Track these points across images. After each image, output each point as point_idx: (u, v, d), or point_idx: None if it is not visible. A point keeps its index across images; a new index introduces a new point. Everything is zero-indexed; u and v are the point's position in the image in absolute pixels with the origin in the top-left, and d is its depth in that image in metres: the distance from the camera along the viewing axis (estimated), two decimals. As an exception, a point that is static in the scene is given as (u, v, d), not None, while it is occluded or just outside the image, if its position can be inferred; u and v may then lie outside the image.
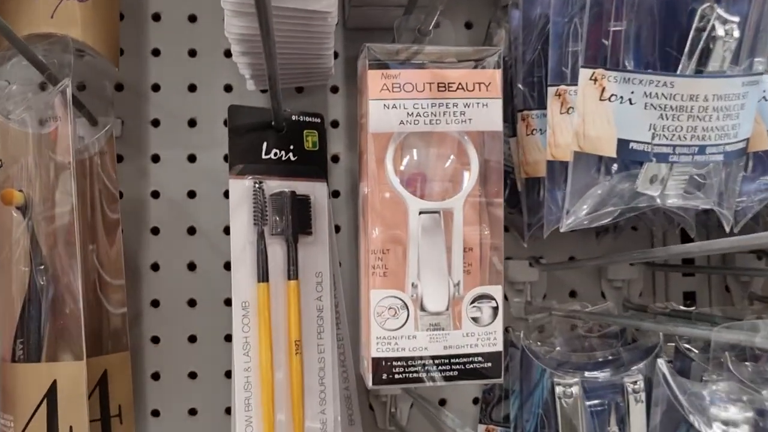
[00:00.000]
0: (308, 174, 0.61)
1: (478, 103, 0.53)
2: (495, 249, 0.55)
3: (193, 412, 0.75)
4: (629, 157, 0.48)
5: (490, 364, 0.52)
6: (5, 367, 0.56)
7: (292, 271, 0.59)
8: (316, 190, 0.61)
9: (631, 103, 0.47)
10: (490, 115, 0.53)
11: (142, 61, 0.76)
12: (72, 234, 0.56)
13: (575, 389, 0.61)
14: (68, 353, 0.56)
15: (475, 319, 0.52)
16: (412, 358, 0.51)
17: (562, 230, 0.51)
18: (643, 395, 0.60)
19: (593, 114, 0.48)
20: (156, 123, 0.76)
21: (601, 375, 0.62)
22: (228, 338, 0.75)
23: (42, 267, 0.57)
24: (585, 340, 0.70)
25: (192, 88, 0.77)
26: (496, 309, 0.53)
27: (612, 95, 0.47)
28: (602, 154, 0.48)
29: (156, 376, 0.75)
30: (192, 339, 0.76)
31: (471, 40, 0.79)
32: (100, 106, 0.68)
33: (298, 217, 0.59)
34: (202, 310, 0.76)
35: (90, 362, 0.63)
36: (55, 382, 0.55)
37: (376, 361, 0.51)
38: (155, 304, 0.76)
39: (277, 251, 0.60)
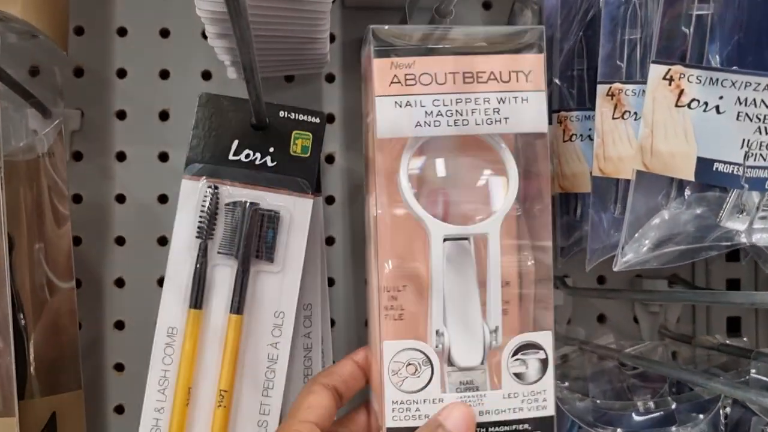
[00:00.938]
0: (287, 186, 0.50)
1: (515, 98, 0.41)
2: (541, 282, 0.43)
3: (162, 452, 0.65)
4: (713, 182, 0.37)
5: None
6: None
7: (235, 302, 0.49)
8: (296, 207, 0.50)
9: (718, 112, 0.36)
10: (532, 113, 0.41)
11: (105, 42, 0.65)
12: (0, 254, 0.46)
13: (615, 449, 0.51)
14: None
15: (518, 376, 0.41)
16: None
17: (616, 269, 0.41)
18: (697, 457, 0.50)
19: (666, 124, 0.37)
20: (122, 115, 0.65)
21: (646, 430, 0.51)
22: (203, 367, 0.65)
23: (-33, 298, 0.46)
24: (620, 378, 0.60)
25: (164, 74, 0.66)
26: (545, 362, 0.41)
27: (693, 100, 0.37)
28: (676, 175, 0.38)
29: (119, 410, 0.65)
30: (162, 367, 0.65)
31: (489, 23, 0.67)
32: (48, 96, 0.57)
33: (256, 237, 0.48)
34: (174, 333, 0.65)
35: (36, 404, 0.54)
36: (-20, 442, 0.44)
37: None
38: (119, 325, 0.65)
39: (225, 274, 0.49)
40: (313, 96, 0.67)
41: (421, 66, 0.41)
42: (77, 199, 0.64)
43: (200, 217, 0.48)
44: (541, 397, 0.40)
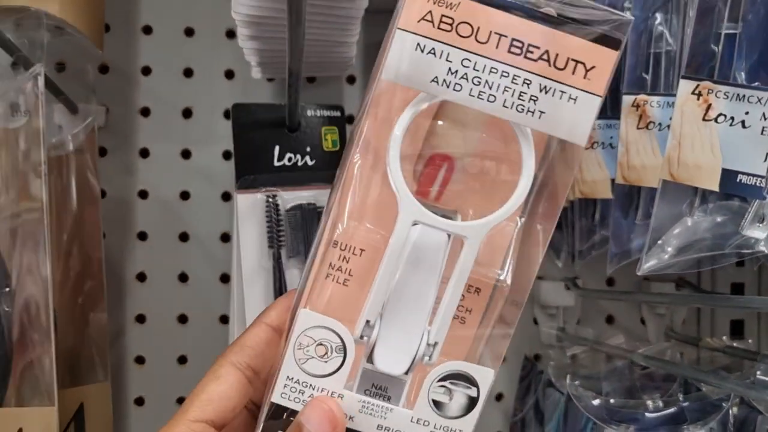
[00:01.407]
0: (330, 180, 0.51)
1: (563, 92, 0.32)
2: (512, 305, 0.35)
3: (180, 443, 0.66)
4: (736, 192, 0.39)
5: None
6: (-39, 410, 0.47)
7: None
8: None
9: (744, 126, 0.38)
10: (576, 117, 0.32)
11: (130, 40, 0.66)
12: (42, 250, 0.47)
13: (628, 445, 0.52)
14: (37, 396, 0.47)
15: (437, 404, 0.33)
16: None
17: (639, 273, 0.43)
18: (706, 455, 0.52)
19: (693, 136, 0.39)
20: (146, 112, 0.67)
21: (658, 429, 0.53)
22: (222, 360, 0.66)
23: (7, 290, 0.47)
24: (630, 377, 0.62)
25: (188, 72, 0.67)
26: (474, 401, 0.33)
27: (720, 115, 0.38)
28: (701, 186, 0.39)
29: (140, 402, 0.66)
30: (182, 360, 0.67)
31: None
32: (81, 92, 0.59)
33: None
34: (195, 327, 0.67)
35: (65, 394, 0.55)
36: (20, 430, 0.46)
37: (275, 410, 0.33)
38: (140, 319, 0.66)
39: (296, 277, 0.50)
40: (334, 97, 0.68)
41: (466, 12, 0.32)
42: (101, 194, 0.65)
43: (268, 227, 0.49)
44: None
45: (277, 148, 0.51)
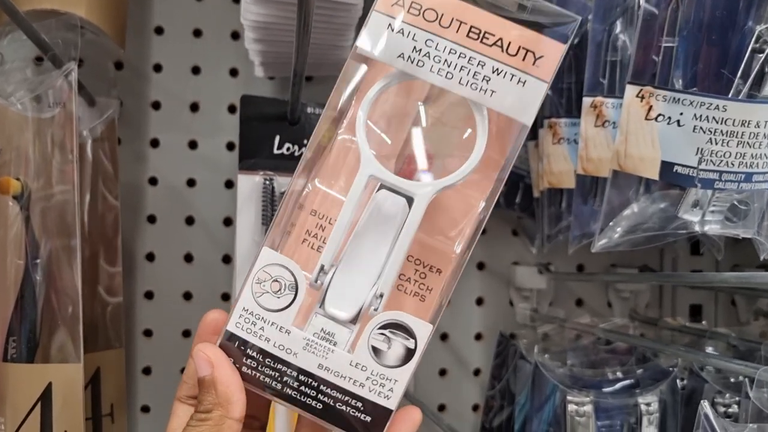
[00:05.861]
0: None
1: (513, 76, 0.36)
2: (453, 273, 0.38)
3: (184, 409, 0.73)
4: (672, 181, 0.46)
5: (368, 419, 0.35)
6: (-4, 366, 0.53)
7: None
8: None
9: (679, 125, 0.44)
10: (525, 100, 0.36)
11: (144, 40, 0.72)
12: (72, 228, 0.53)
13: (588, 408, 0.59)
14: (65, 354, 0.53)
15: (375, 351, 0.36)
16: (273, 358, 0.35)
17: (594, 251, 0.49)
18: (656, 417, 0.59)
19: (637, 133, 0.46)
20: (156, 105, 0.73)
21: (615, 394, 0.60)
22: (224, 334, 0.72)
23: (38, 261, 0.53)
24: (594, 352, 0.69)
25: (196, 70, 0.73)
26: (411, 353, 0.35)
27: (659, 115, 0.45)
28: (644, 175, 0.46)
29: (147, 371, 0.72)
30: (186, 334, 0.73)
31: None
32: (101, 87, 0.64)
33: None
34: (198, 304, 0.73)
35: (83, 359, 0.61)
36: (50, 384, 0.52)
37: (228, 339, 0.36)
38: (149, 295, 0.72)
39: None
40: (329, 94, 0.74)
41: (433, 1, 0.37)
42: (116, 180, 0.71)
43: (263, 206, 0.55)
44: (388, 385, 0.35)
45: (277, 138, 0.57)
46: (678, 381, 0.61)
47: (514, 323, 0.77)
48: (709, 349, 0.66)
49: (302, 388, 0.35)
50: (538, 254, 0.74)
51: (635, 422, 0.59)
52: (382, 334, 0.36)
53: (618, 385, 0.61)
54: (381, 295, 0.36)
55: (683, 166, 0.45)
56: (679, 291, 0.80)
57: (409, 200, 0.36)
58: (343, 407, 0.35)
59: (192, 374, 0.36)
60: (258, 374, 0.36)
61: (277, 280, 0.36)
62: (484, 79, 0.36)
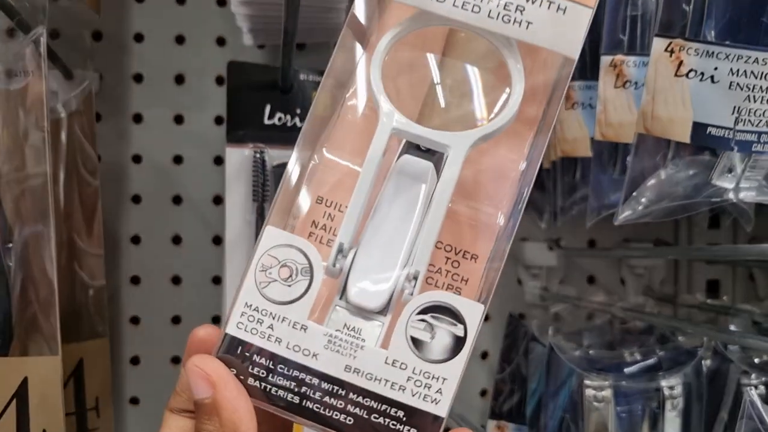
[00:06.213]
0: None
1: (552, 3, 0.30)
2: (503, 241, 0.31)
3: (176, 400, 0.69)
4: (706, 144, 0.41)
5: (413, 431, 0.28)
6: (-34, 360, 0.49)
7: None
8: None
9: (713, 81, 0.40)
10: (567, 30, 0.30)
11: (123, 8, 0.68)
12: (46, 207, 0.49)
13: (607, 393, 0.55)
14: (41, 346, 0.49)
15: (416, 342, 0.28)
16: (287, 363, 0.28)
17: (617, 223, 0.45)
18: (680, 402, 0.55)
19: (666, 92, 0.41)
20: (138, 78, 0.68)
21: (636, 378, 0.56)
22: (216, 320, 0.68)
23: (10, 245, 0.49)
24: (611, 333, 0.65)
25: (180, 39, 0.69)
26: (461, 342, 0.28)
27: (691, 71, 0.40)
28: (673, 138, 0.42)
29: (135, 361, 0.68)
30: (176, 320, 0.69)
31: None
32: (77, 58, 0.60)
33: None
34: (188, 288, 0.69)
35: (64, 350, 0.56)
36: (26, 379, 0.48)
37: (229, 343, 0.29)
38: (135, 280, 0.68)
39: None
40: (323, 63, 0.69)
41: None
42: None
43: (254, 181, 0.51)
44: (435, 385, 0.28)
45: (268, 107, 0.52)
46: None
47: (523, 303, 0.73)
48: (732, 327, 0.62)
49: (326, 399, 0.28)
50: (547, 229, 0.70)
51: (657, 407, 0.55)
52: (423, 320, 0.29)
53: (638, 368, 0.57)
54: (415, 276, 0.29)
55: (718, 127, 0.41)
56: (695, 266, 0.76)
57: (437, 164, 0.30)
58: (380, 419, 0.28)
59: (187, 387, 0.29)
60: (269, 386, 0.29)
61: (286, 265, 0.29)
62: (517, 9, 0.30)
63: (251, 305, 0.29)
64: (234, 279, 0.54)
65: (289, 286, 0.29)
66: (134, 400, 0.68)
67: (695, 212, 0.44)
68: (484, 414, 0.72)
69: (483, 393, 0.73)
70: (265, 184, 0.52)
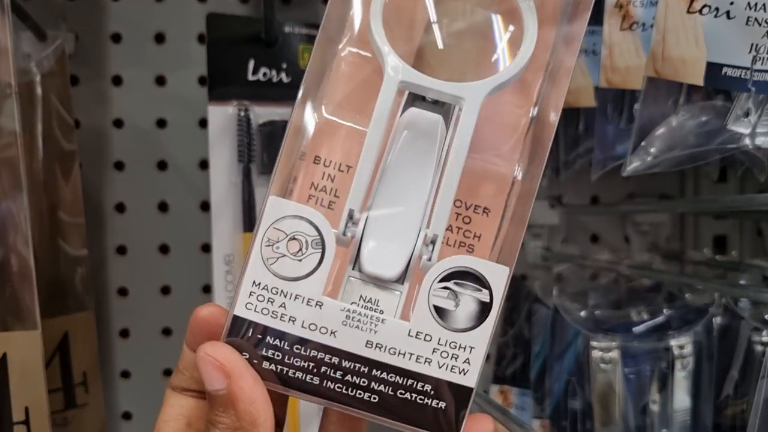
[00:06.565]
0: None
1: None
2: (524, 198, 0.29)
3: (168, 372, 0.66)
4: (721, 86, 0.39)
5: (442, 405, 0.27)
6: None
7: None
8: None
9: (728, 17, 0.37)
10: None
11: (97, -37, 0.64)
12: (17, 175, 0.46)
13: (614, 354, 0.53)
14: (20, 321, 0.46)
15: (440, 312, 0.27)
16: (303, 343, 0.27)
17: (625, 174, 0.42)
18: (690, 361, 0.53)
19: (677, 30, 0.38)
20: (117, 38, 0.65)
21: (644, 338, 0.54)
22: (207, 289, 0.66)
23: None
24: (617, 292, 0.62)
25: (159, -5, 0.65)
26: (487, 308, 0.27)
27: (704, 6, 0.37)
28: (686, 81, 0.39)
29: (125, 333, 0.66)
30: (165, 290, 0.66)
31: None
32: (49, 18, 0.56)
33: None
34: (177, 257, 0.66)
35: (48, 324, 0.54)
36: (5, 355, 0.45)
37: (238, 325, 0.27)
38: (121, 250, 0.66)
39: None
40: (310, 16, 0.66)
41: None
42: (75, 124, 0.64)
43: (239, 141, 0.48)
44: (463, 355, 0.27)
45: (252, 62, 0.49)
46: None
47: (525, 264, 0.70)
48: (742, 282, 0.60)
49: (349, 377, 0.27)
50: (548, 186, 0.67)
51: (667, 367, 0.53)
52: (446, 288, 0.27)
53: (646, 327, 0.55)
54: (433, 240, 0.27)
55: (734, 67, 0.38)
56: (702, 221, 0.73)
57: (445, 116, 0.28)
58: (407, 394, 0.27)
59: (190, 365, 0.28)
60: (285, 369, 0.27)
61: (295, 238, 0.27)
62: None
63: (259, 284, 0.27)
64: (221, 244, 0.51)
65: (300, 260, 0.27)
66: (125, 374, 0.66)
67: (706, 162, 0.42)
68: (486, 379, 0.69)
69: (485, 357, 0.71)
70: (251, 144, 0.49)
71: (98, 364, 0.60)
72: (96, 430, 0.60)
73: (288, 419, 0.52)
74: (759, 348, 0.54)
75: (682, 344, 0.53)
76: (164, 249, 0.66)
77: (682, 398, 0.53)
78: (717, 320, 0.55)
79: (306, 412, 0.52)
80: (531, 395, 0.62)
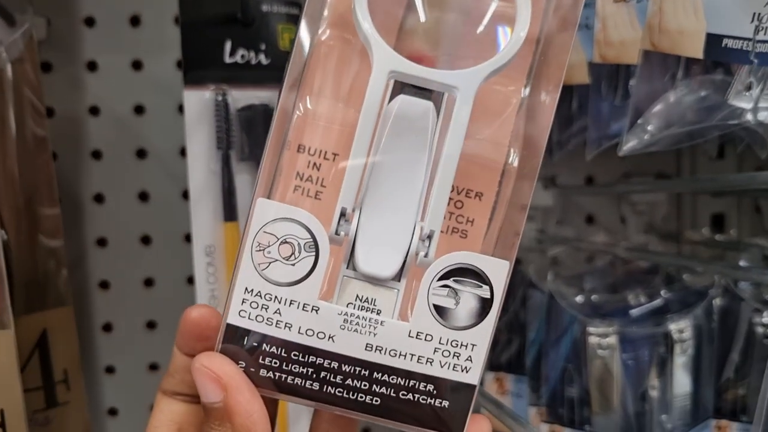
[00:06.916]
0: (285, 82, 0.48)
1: None
2: (523, 181, 0.28)
3: (154, 366, 0.65)
4: (721, 58, 0.37)
5: (445, 404, 0.26)
6: None
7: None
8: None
9: (729, -15, 0.35)
10: None
11: (67, -57, 0.61)
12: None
13: (612, 339, 0.51)
14: (-6, 320, 0.44)
15: (440, 311, 0.26)
16: (302, 350, 0.26)
17: (621, 154, 0.40)
18: (690, 345, 0.51)
19: (675, 0, 0.36)
20: (90, 22, 0.62)
21: (642, 322, 0.52)
22: (191, 281, 0.64)
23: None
24: (613, 274, 0.61)
25: (133, -24, 0.62)
26: (488, 303, 0.26)
27: (703, -26, 0.35)
28: (684, 54, 0.37)
29: (107, 328, 0.64)
30: (148, 282, 0.64)
31: None
32: (15, 2, 0.54)
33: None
34: (159, 248, 0.64)
35: (25, 321, 0.52)
36: (-26, 357, 0.43)
37: (232, 333, 0.26)
38: (102, 242, 0.63)
39: (247, 182, 0.48)
40: (291, -3, 0.64)
41: None
42: (49, 112, 0.61)
43: (217, 127, 0.46)
44: (465, 353, 0.26)
45: (228, 43, 0.47)
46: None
47: (519, 247, 0.68)
48: (742, 263, 0.58)
49: (350, 381, 0.26)
50: (541, 167, 0.65)
51: (665, 351, 0.52)
52: (445, 286, 0.26)
53: (644, 311, 0.53)
54: (430, 236, 0.26)
55: (735, 38, 0.36)
56: (699, 200, 0.71)
57: (435, 103, 0.27)
58: (409, 395, 0.26)
59: (180, 368, 0.27)
60: (283, 376, 0.26)
61: (286, 241, 0.26)
62: None
63: (252, 290, 0.26)
64: (201, 234, 0.49)
65: (293, 264, 0.26)
66: (110, 369, 0.64)
67: (705, 139, 0.40)
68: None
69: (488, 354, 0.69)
70: (230, 130, 0.47)
71: (80, 360, 0.58)
72: (79, 429, 0.58)
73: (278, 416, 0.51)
74: (760, 330, 0.53)
75: (681, 328, 0.51)
76: (146, 240, 0.64)
77: (681, 383, 0.52)
78: (717, 302, 0.54)
79: (295, 407, 0.51)
80: (527, 382, 0.60)
